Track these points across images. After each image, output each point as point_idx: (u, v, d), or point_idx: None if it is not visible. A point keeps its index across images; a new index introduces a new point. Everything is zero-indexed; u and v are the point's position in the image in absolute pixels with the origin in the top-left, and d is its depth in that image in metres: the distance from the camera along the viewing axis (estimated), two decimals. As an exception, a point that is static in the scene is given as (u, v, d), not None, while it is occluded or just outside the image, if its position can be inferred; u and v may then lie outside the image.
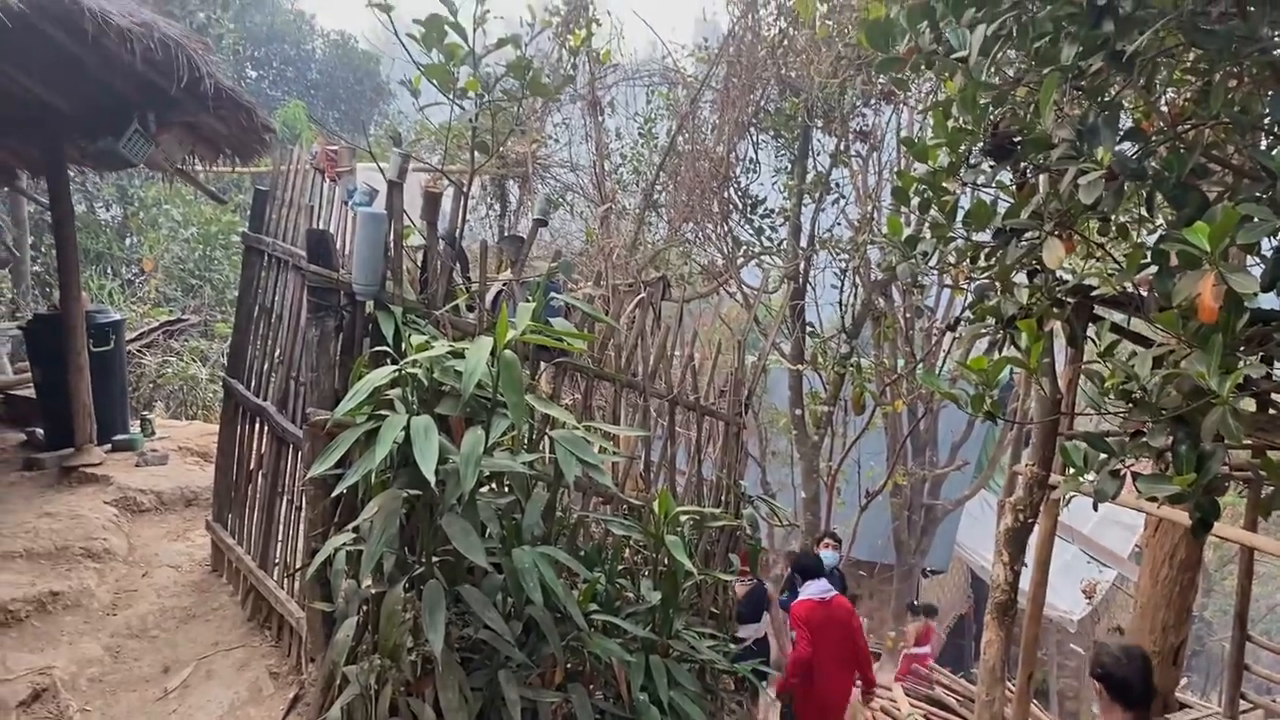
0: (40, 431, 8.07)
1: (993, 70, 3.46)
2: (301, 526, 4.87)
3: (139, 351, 12.11)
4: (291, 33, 30.53)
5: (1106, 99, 3.41)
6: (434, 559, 3.70)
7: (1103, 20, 2.96)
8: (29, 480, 7.33)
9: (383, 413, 3.63)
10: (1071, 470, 3.26)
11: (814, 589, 7.01)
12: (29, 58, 6.36)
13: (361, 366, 4.05)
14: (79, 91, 7.06)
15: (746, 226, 13.00)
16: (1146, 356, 2.99)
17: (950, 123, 3.69)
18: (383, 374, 3.63)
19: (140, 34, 6.00)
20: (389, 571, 3.73)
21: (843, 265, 12.65)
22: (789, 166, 12.76)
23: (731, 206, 12.86)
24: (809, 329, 13.04)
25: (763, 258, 13.08)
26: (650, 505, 4.80)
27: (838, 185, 12.73)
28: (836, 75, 10.85)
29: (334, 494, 3.99)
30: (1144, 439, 3.05)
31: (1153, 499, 3.23)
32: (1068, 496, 3.48)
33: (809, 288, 12.95)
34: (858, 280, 12.65)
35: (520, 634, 3.81)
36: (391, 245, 4.46)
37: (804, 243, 12.68)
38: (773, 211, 12.95)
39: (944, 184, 3.80)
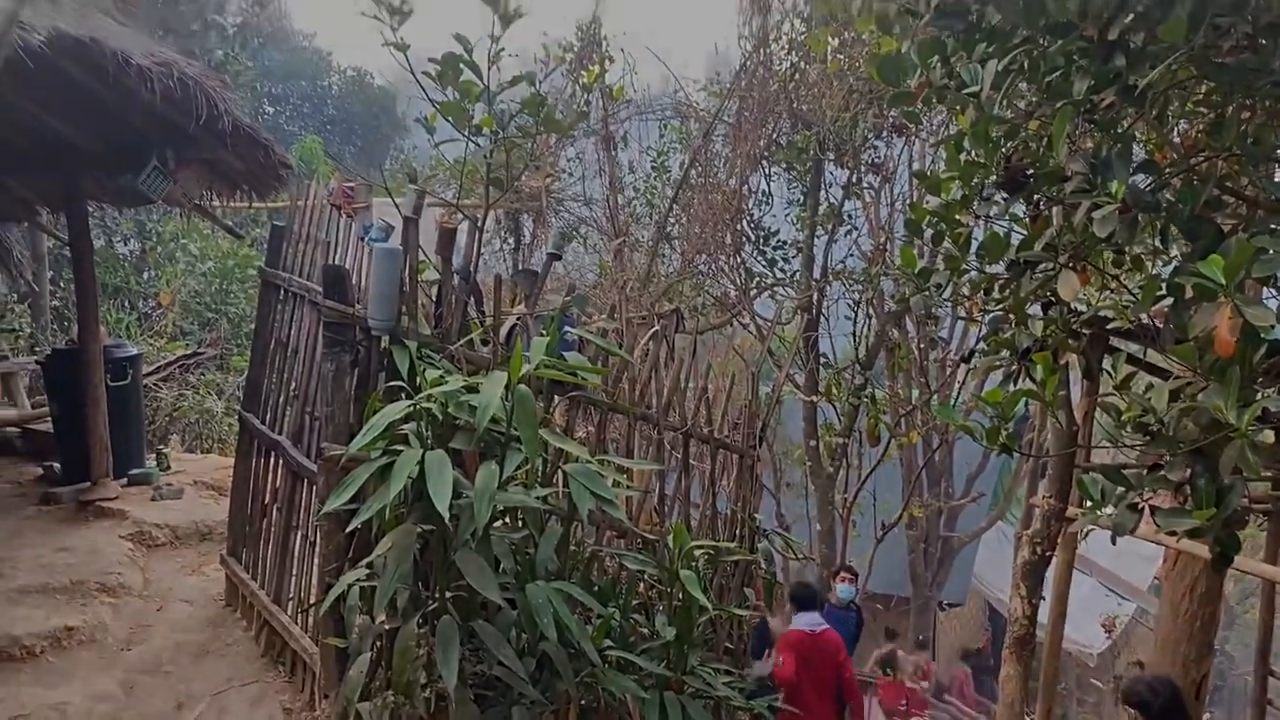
0: (57, 466, 8.11)
1: (1005, 104, 3.47)
2: (316, 561, 4.87)
3: (155, 385, 12.18)
4: (308, 69, 30.93)
5: (1119, 131, 3.41)
6: (448, 594, 3.69)
7: (1114, 55, 2.97)
8: (46, 514, 7.36)
9: (397, 447, 3.63)
10: (1089, 503, 3.24)
11: (805, 620, 6.92)
12: (51, 96, 6.46)
13: (376, 401, 4.06)
14: (99, 129, 7.15)
15: (759, 258, 13.05)
16: (1163, 389, 2.98)
17: (962, 156, 3.70)
18: (397, 409, 3.64)
19: (160, 73, 6.08)
20: (403, 607, 3.72)
21: (856, 296, 12.66)
22: (801, 199, 12.81)
23: (744, 238, 12.92)
24: (823, 360, 13.03)
25: (776, 289, 13.11)
26: (665, 539, 4.79)
27: (850, 217, 12.76)
28: (848, 109, 10.91)
29: (348, 529, 3.98)
30: (1162, 472, 3.03)
31: (1171, 533, 3.20)
32: (1085, 530, 3.46)
33: (822, 319, 12.96)
34: (871, 311, 12.65)
35: (534, 670, 3.79)
36: (407, 280, 4.48)
37: (817, 274, 12.70)
38: (785, 243, 12.99)
39: (957, 216, 3.80)
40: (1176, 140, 3.78)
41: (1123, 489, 3.14)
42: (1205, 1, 2.73)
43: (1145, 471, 3.13)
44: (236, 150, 7.22)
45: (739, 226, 12.71)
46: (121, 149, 7.18)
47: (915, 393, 12.53)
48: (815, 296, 12.55)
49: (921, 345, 12.58)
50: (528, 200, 10.83)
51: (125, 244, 16.88)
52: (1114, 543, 3.57)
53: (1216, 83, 3.25)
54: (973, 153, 3.64)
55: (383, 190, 5.91)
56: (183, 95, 6.29)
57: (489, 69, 4.20)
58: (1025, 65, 3.32)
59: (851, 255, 12.96)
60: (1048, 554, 4.72)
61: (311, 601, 5.01)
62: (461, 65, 4.30)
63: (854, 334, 12.76)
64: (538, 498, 3.79)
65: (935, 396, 11.94)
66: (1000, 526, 15.06)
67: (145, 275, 16.54)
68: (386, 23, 4.33)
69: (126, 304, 15.68)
